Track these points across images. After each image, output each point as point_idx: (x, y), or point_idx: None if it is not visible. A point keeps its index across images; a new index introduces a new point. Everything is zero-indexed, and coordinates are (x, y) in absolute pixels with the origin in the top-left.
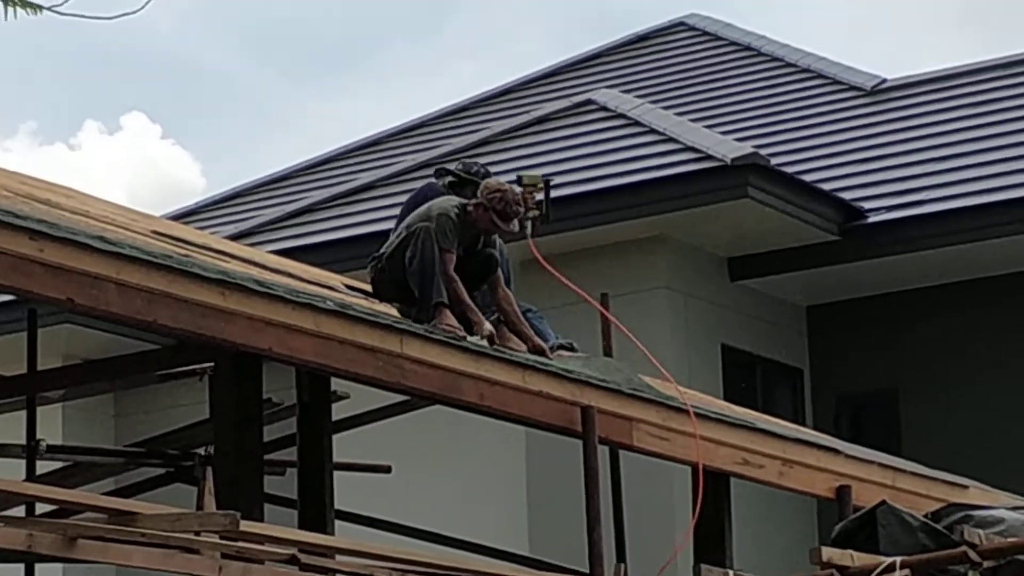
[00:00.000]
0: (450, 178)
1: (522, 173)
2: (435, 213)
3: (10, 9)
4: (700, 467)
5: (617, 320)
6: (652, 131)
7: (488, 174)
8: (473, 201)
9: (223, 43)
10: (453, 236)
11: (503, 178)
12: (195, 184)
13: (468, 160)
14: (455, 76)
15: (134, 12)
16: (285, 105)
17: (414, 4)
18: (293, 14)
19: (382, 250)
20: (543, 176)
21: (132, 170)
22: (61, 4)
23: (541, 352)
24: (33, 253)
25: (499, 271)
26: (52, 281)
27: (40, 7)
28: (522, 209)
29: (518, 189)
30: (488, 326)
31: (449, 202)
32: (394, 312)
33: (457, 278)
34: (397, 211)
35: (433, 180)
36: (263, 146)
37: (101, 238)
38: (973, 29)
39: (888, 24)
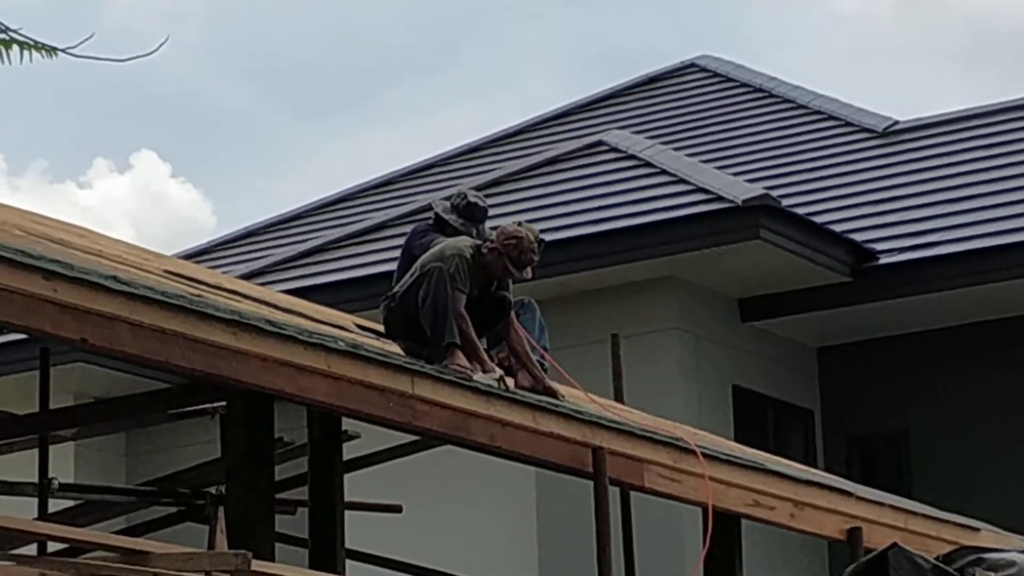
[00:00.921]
0: (435, 217)
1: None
2: (448, 253)
3: (26, 53)
4: (710, 509)
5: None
6: (663, 172)
7: (477, 211)
8: (488, 245)
9: (233, 82)
10: (465, 276)
11: (514, 219)
12: (205, 223)
13: (457, 195)
14: (465, 116)
15: (147, 55)
16: (296, 144)
17: (424, 44)
18: (303, 53)
19: (395, 289)
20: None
21: (142, 208)
22: (76, 46)
23: (552, 393)
24: (47, 293)
25: (511, 314)
26: (66, 321)
27: (56, 49)
28: (536, 257)
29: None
30: (496, 368)
31: (463, 242)
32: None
33: (467, 317)
34: None
35: (419, 223)
36: (274, 185)
37: (114, 278)
38: (981, 68)
39: (896, 64)
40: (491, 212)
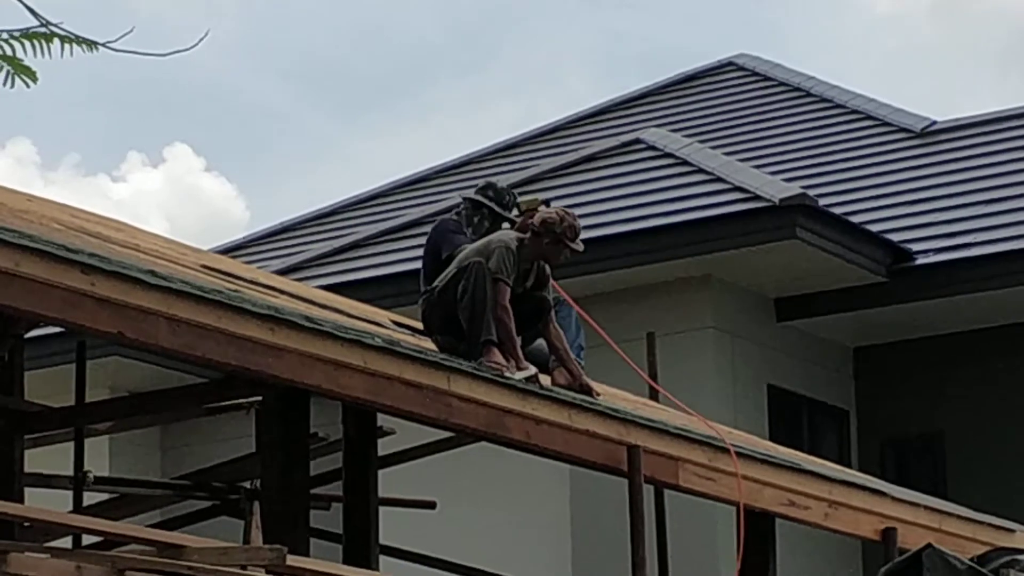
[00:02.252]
0: (483, 211)
1: (522, 200)
2: (495, 247)
3: (67, 46)
4: (741, 508)
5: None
6: (700, 171)
7: (514, 197)
8: (531, 230)
9: (269, 78)
10: (512, 269)
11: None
12: (239, 217)
13: (501, 188)
14: (501, 114)
15: (187, 49)
16: (331, 141)
17: (460, 41)
18: (340, 50)
19: (435, 284)
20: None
21: (175, 202)
22: (115, 41)
23: (588, 391)
24: (85, 287)
25: (551, 312)
26: (103, 315)
27: (96, 44)
28: (580, 226)
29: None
30: (532, 367)
31: (508, 235)
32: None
33: (510, 310)
34: None
35: (444, 217)
36: (308, 181)
37: (152, 272)
38: (1017, 68)
39: (932, 64)
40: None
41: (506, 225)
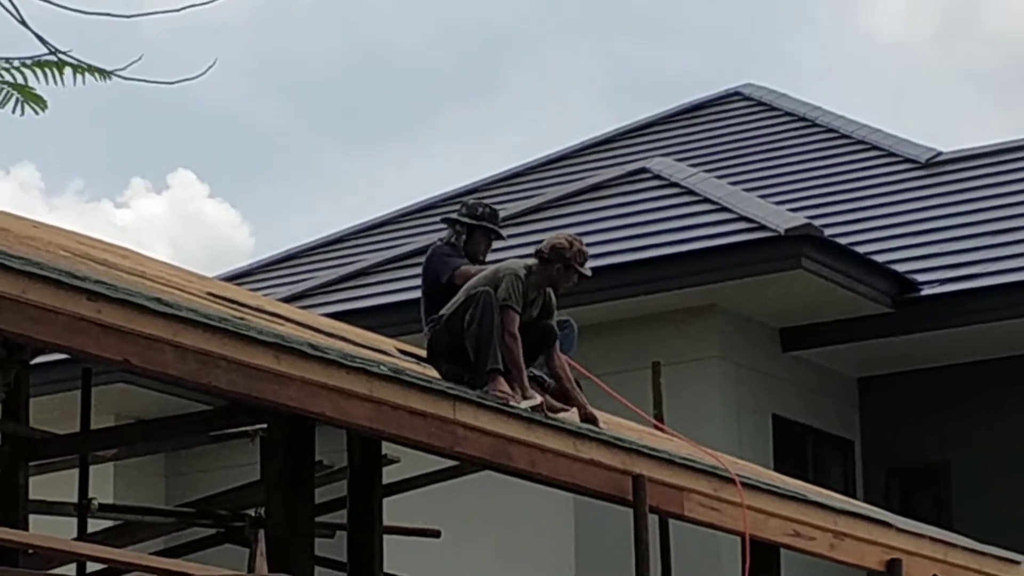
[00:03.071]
0: (456, 227)
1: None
2: (504, 275)
3: (79, 75)
4: (747, 538)
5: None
6: (706, 200)
7: (495, 213)
8: (540, 257)
9: (273, 105)
10: (520, 296)
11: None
12: (243, 244)
13: (472, 203)
14: (506, 142)
15: (195, 77)
16: (336, 168)
17: (466, 69)
18: (344, 78)
19: (442, 312)
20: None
21: (179, 228)
22: (124, 68)
23: (593, 420)
24: (91, 314)
25: (556, 343)
26: (109, 342)
27: (107, 72)
28: (588, 253)
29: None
30: (538, 397)
31: (517, 264)
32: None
33: (519, 338)
34: None
35: (436, 242)
36: (312, 208)
37: (158, 300)
38: (1019, 98)
39: (936, 92)
40: (534, 238)
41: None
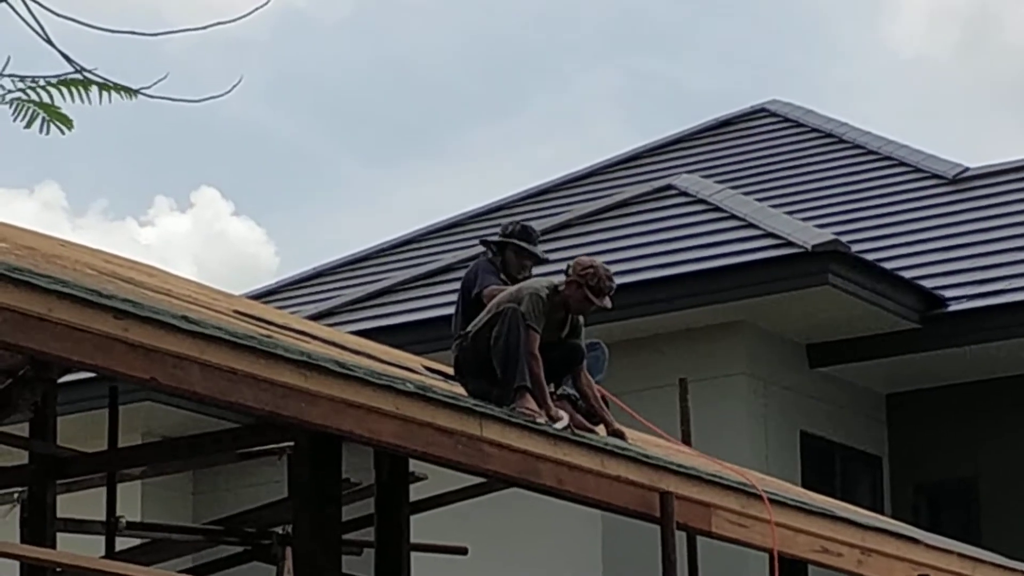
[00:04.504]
0: (491, 247)
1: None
2: (526, 293)
3: (105, 94)
4: (775, 555)
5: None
6: (733, 217)
7: (525, 230)
8: (565, 279)
9: (298, 122)
10: (540, 316)
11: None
12: (268, 262)
13: (509, 223)
14: (533, 159)
15: (221, 95)
16: (362, 186)
17: (492, 86)
18: (370, 95)
19: (468, 328)
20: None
21: (203, 246)
22: (150, 87)
23: (620, 436)
24: (118, 332)
25: (583, 362)
26: (136, 360)
27: (134, 91)
28: (613, 285)
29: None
30: (565, 416)
31: (540, 283)
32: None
33: (540, 358)
34: None
35: (481, 257)
36: (337, 225)
37: (185, 318)
38: None
39: (959, 106)
40: (560, 255)
41: (536, 268)
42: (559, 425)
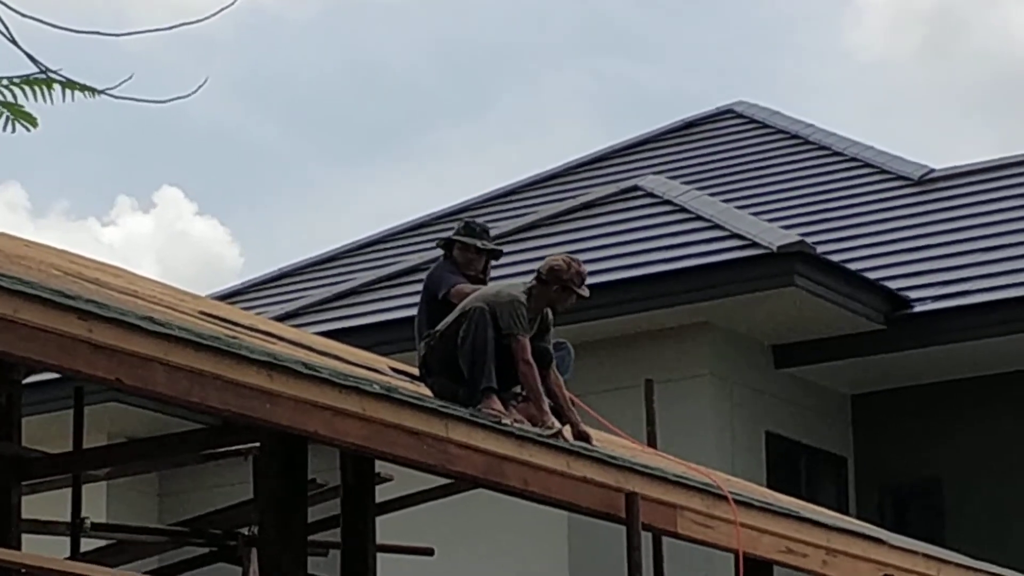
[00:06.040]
0: (456, 246)
1: None
2: (503, 300)
3: (67, 92)
4: (740, 555)
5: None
6: (698, 218)
7: (485, 229)
8: (537, 278)
9: (262, 121)
10: (526, 320)
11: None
12: (233, 262)
13: (466, 220)
14: (500, 160)
15: (186, 96)
16: (326, 184)
17: (459, 88)
18: (335, 94)
19: (437, 327)
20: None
21: (167, 247)
22: (115, 87)
23: (586, 438)
24: (82, 333)
25: (552, 364)
26: (100, 361)
27: (96, 90)
28: (585, 272)
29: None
30: (558, 424)
31: (515, 288)
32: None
33: (534, 365)
34: None
35: (440, 259)
36: (302, 225)
37: (150, 319)
38: (1004, 112)
39: (920, 109)
40: (527, 256)
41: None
42: (549, 432)
